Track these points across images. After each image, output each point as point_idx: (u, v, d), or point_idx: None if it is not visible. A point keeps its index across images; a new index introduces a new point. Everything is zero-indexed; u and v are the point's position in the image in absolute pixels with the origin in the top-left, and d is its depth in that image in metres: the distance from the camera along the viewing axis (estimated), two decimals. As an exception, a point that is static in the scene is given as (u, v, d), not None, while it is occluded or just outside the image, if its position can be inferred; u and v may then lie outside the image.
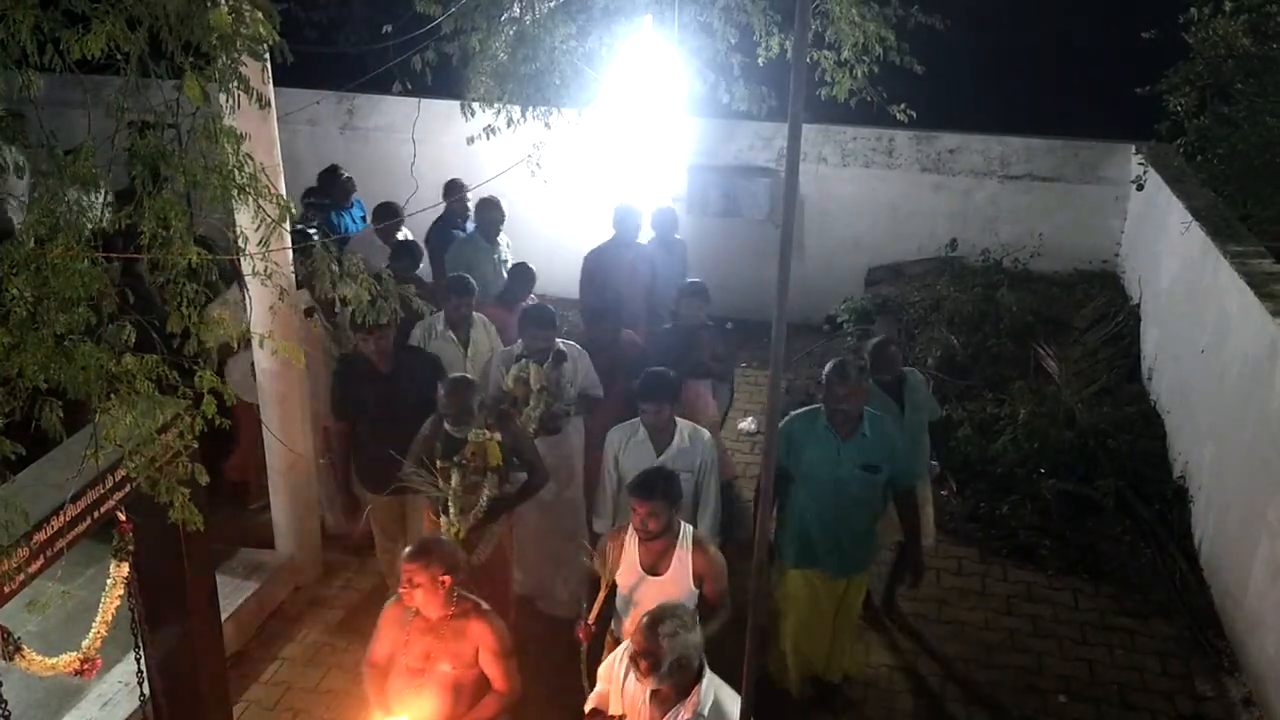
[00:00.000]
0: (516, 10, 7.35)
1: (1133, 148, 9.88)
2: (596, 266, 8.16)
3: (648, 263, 8.25)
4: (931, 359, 8.99)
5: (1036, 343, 9.15)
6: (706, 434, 5.76)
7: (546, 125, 7.91)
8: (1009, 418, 8.19)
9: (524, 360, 6.16)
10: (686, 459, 5.57)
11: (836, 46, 7.54)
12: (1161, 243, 8.80)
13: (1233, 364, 6.73)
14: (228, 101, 3.48)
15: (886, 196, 10.48)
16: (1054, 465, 7.74)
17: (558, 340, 6.36)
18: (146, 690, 4.76)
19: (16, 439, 3.18)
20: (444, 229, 8.91)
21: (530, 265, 7.69)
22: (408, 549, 4.39)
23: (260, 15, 3.45)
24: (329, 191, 9.42)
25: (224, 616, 5.54)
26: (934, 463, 6.51)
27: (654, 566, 4.81)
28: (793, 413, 5.54)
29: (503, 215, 8.65)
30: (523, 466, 5.68)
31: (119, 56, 3.14)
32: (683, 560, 4.79)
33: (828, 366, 5.35)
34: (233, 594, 6.20)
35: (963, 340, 9.20)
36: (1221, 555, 6.68)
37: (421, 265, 8.45)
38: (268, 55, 4.19)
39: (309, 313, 6.60)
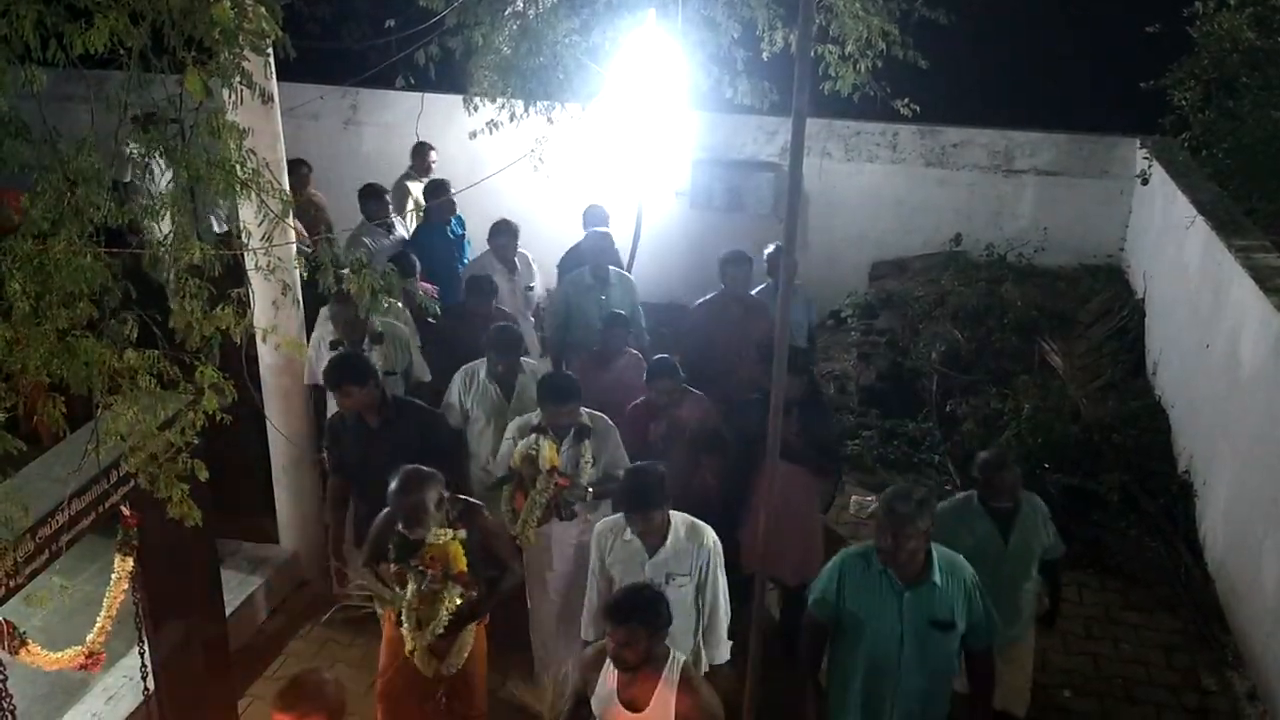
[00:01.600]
0: (520, 4, 7.35)
1: (1137, 142, 9.85)
2: (704, 322, 7.15)
3: (765, 317, 6.96)
4: (936, 354, 8.98)
5: (1041, 337, 9.13)
6: (709, 532, 4.83)
7: (550, 120, 7.91)
8: (1013, 412, 8.17)
9: (537, 435, 5.41)
10: (683, 561, 4.75)
11: (841, 40, 7.53)
12: (1166, 237, 8.78)
13: (1238, 358, 6.71)
14: (230, 96, 3.47)
15: (891, 191, 10.45)
16: (1059, 460, 7.72)
17: (583, 411, 5.60)
18: (150, 685, 4.76)
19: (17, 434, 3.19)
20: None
21: (623, 318, 6.96)
22: (276, 693, 3.72)
23: (263, 10, 3.44)
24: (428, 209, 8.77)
25: (229, 611, 5.54)
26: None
27: (632, 701, 4.08)
28: (848, 548, 4.56)
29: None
30: (495, 564, 4.89)
31: (121, 51, 3.14)
32: (665, 699, 4.02)
33: (881, 501, 4.32)
34: (238, 589, 6.21)
35: (967, 335, 9.18)
36: (1227, 549, 6.67)
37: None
38: (270, 50, 4.19)
39: (335, 345, 6.38)
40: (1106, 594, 6.80)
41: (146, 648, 4.72)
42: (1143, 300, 9.30)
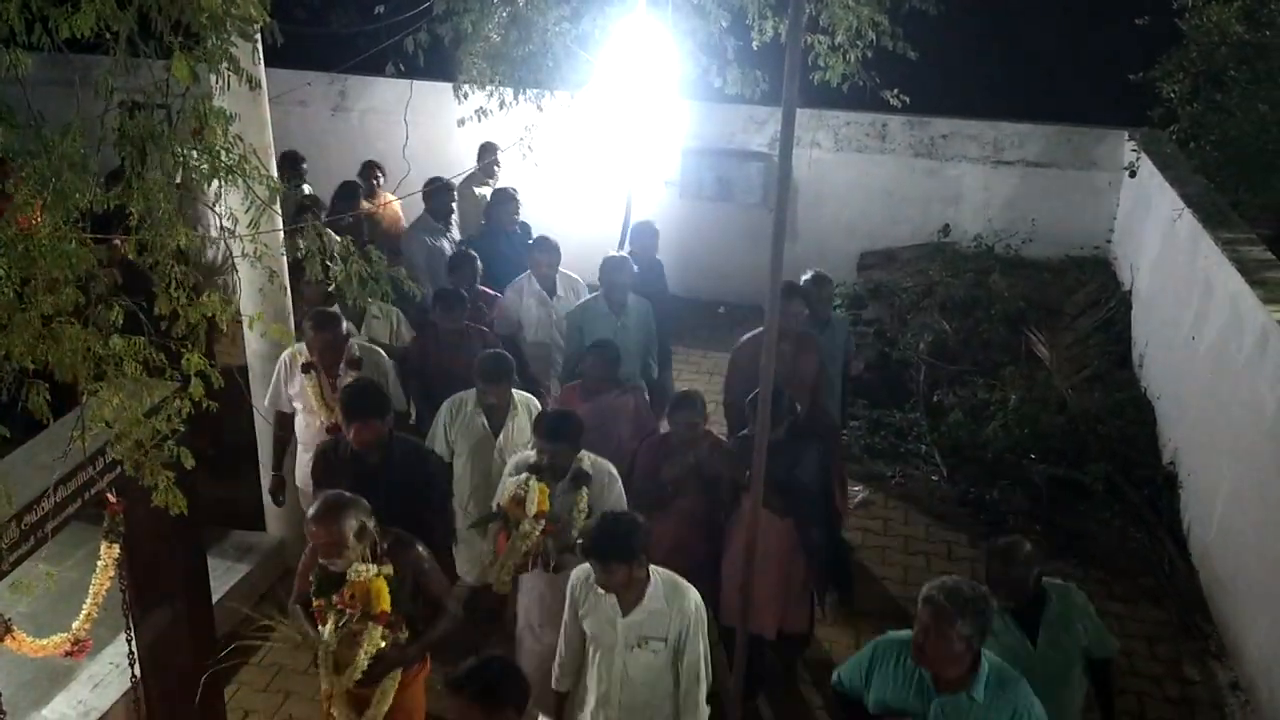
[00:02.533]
0: (509, -9, 7.32)
1: (1126, 134, 9.88)
2: (751, 360, 6.02)
3: (814, 353, 6.51)
4: (923, 344, 9.00)
5: (1028, 328, 9.16)
6: (691, 594, 4.31)
7: (539, 108, 7.89)
8: (1000, 403, 8.21)
9: (529, 476, 4.95)
10: (659, 625, 4.23)
11: (830, 30, 7.54)
12: (1154, 229, 8.81)
13: (1223, 350, 6.74)
14: (217, 82, 3.45)
15: (879, 181, 10.47)
16: (1044, 450, 7.75)
17: (585, 456, 5.13)
18: (137, 672, 4.75)
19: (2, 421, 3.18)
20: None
21: (610, 346, 6.18)
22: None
23: (250, -5, 3.42)
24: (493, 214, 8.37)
25: (215, 598, 5.53)
26: None
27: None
28: (884, 635, 4.02)
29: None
30: (430, 605, 4.47)
31: (108, 36, 3.12)
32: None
33: (924, 590, 3.72)
34: (224, 576, 6.20)
35: (954, 325, 9.20)
36: (1211, 541, 6.71)
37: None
38: (258, 36, 4.17)
39: (307, 369, 5.92)
40: (1090, 584, 6.81)
41: (133, 635, 4.71)
42: (1129, 292, 9.33)
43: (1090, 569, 6.94)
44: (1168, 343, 8.06)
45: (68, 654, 4.66)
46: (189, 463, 3.60)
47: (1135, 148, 9.47)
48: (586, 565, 4.30)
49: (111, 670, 5.22)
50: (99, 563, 4.57)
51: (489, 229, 8.18)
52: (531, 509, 4.82)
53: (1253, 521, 5.97)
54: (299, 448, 6.17)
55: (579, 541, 4.66)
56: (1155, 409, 8.12)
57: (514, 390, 5.80)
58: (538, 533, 4.85)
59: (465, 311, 6.51)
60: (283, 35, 4.14)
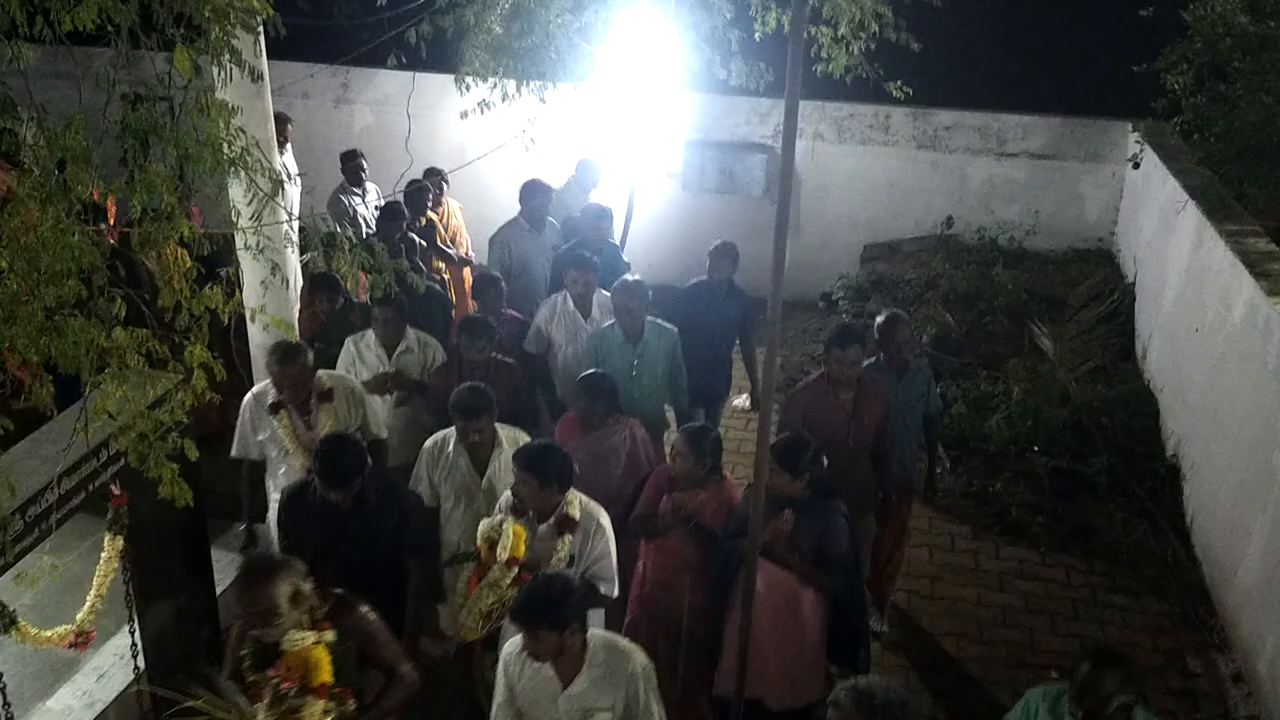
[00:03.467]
0: (512, -17, 7.30)
1: (1129, 126, 9.85)
2: (805, 405, 5.84)
3: (883, 400, 5.94)
4: (926, 336, 8.99)
5: (1031, 321, 9.15)
6: (636, 655, 3.98)
7: (542, 100, 7.88)
8: (1003, 395, 8.21)
9: (505, 517, 4.59)
10: (604, 693, 3.90)
11: (833, 22, 7.51)
12: (1157, 221, 8.79)
13: (1227, 343, 6.74)
14: (220, 74, 3.45)
15: (883, 173, 10.45)
16: (1047, 442, 7.76)
17: (575, 498, 4.69)
18: (141, 663, 4.77)
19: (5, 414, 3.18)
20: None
21: (600, 380, 5.68)
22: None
23: (254, -13, 3.42)
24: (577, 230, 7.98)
25: (219, 590, 5.54)
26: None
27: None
28: (1036, 687, 4.20)
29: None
30: (381, 671, 4.10)
31: (110, 28, 3.12)
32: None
33: (1084, 660, 3.95)
34: (228, 568, 6.18)
35: (958, 318, 9.20)
36: (1213, 533, 6.71)
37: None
38: (261, 28, 4.16)
39: (275, 409, 5.49)
40: (1093, 576, 6.84)
41: (137, 626, 4.72)
42: (1133, 284, 9.32)
43: (1093, 561, 6.95)
44: (1171, 335, 8.05)
45: (72, 645, 4.68)
46: (193, 455, 3.61)
47: (1139, 139, 9.45)
48: (518, 637, 3.95)
49: (115, 662, 5.22)
50: (103, 554, 4.59)
51: (574, 248, 7.50)
52: (503, 554, 4.43)
53: (1256, 513, 5.96)
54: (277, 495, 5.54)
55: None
56: (1158, 401, 8.12)
57: (500, 425, 5.32)
58: (509, 580, 4.42)
59: (492, 341, 6.07)
60: (285, 27, 4.13)
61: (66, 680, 5.19)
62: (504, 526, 4.50)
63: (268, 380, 5.59)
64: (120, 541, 4.55)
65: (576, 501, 4.67)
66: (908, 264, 10.08)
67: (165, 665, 4.92)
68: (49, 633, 4.55)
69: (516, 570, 4.44)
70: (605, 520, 4.72)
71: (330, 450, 4.60)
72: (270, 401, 5.47)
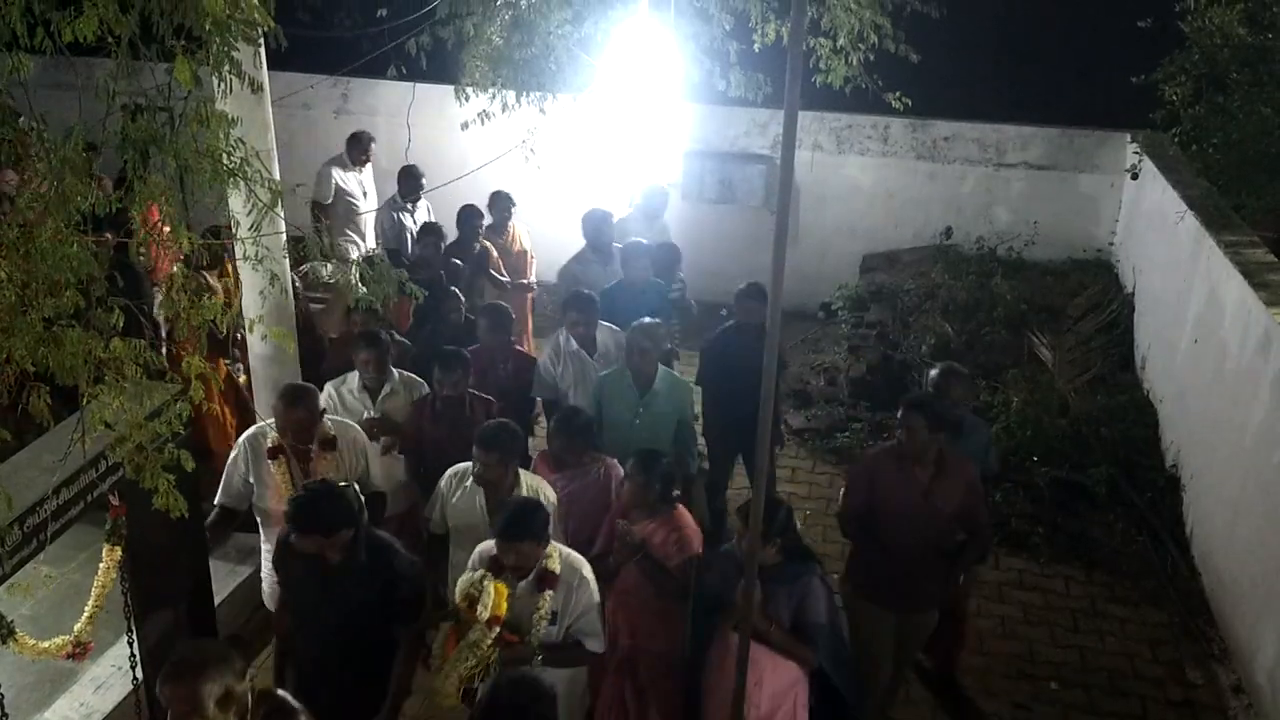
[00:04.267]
0: (511, -6, 7.32)
1: (1128, 136, 9.87)
2: (870, 477, 5.24)
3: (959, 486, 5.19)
4: (925, 347, 8.99)
5: (1030, 331, 9.15)
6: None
7: (541, 110, 7.89)
8: (1002, 405, 8.20)
9: (485, 574, 4.32)
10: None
11: (832, 33, 7.54)
12: (1156, 232, 8.80)
13: (1226, 354, 6.74)
14: (220, 85, 3.46)
15: (882, 184, 10.46)
16: (1046, 453, 7.75)
17: (555, 551, 4.41)
18: (139, 674, 4.76)
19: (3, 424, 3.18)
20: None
21: (575, 416, 5.47)
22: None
23: (255, 0, 3.43)
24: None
25: (217, 601, 5.54)
26: None
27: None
28: None
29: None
30: None
31: (110, 39, 3.12)
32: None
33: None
34: (226, 578, 6.19)
35: (957, 328, 9.19)
36: (1213, 543, 6.70)
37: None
38: (261, 39, 4.17)
39: (274, 454, 5.15)
40: (1093, 587, 6.82)
41: (135, 637, 4.72)
42: (1132, 294, 9.33)
43: (1093, 572, 6.94)
44: (1170, 345, 8.05)
45: (70, 656, 4.68)
46: (189, 466, 3.60)
47: (1137, 150, 9.47)
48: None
49: (114, 672, 5.22)
50: (101, 565, 4.58)
51: (619, 286, 7.20)
52: (485, 613, 4.17)
53: (1255, 524, 5.96)
54: (267, 544, 5.37)
55: (538, 657, 4.25)
56: (1158, 411, 8.12)
57: (524, 473, 5.06)
58: (490, 641, 4.16)
59: (467, 376, 5.73)
60: (286, 38, 4.14)
61: (64, 691, 5.19)
62: (484, 584, 4.25)
63: (263, 423, 5.35)
64: (118, 552, 4.55)
65: (557, 555, 4.39)
66: (907, 274, 10.09)
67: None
68: (47, 643, 4.55)
69: (499, 630, 4.19)
70: (588, 572, 4.45)
71: (309, 496, 4.31)
72: (269, 445, 5.13)
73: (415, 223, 8.76)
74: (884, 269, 10.33)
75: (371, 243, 9.29)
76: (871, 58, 7.68)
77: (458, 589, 4.35)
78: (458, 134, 8.02)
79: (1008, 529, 7.25)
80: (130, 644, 4.71)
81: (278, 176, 5.58)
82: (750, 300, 6.47)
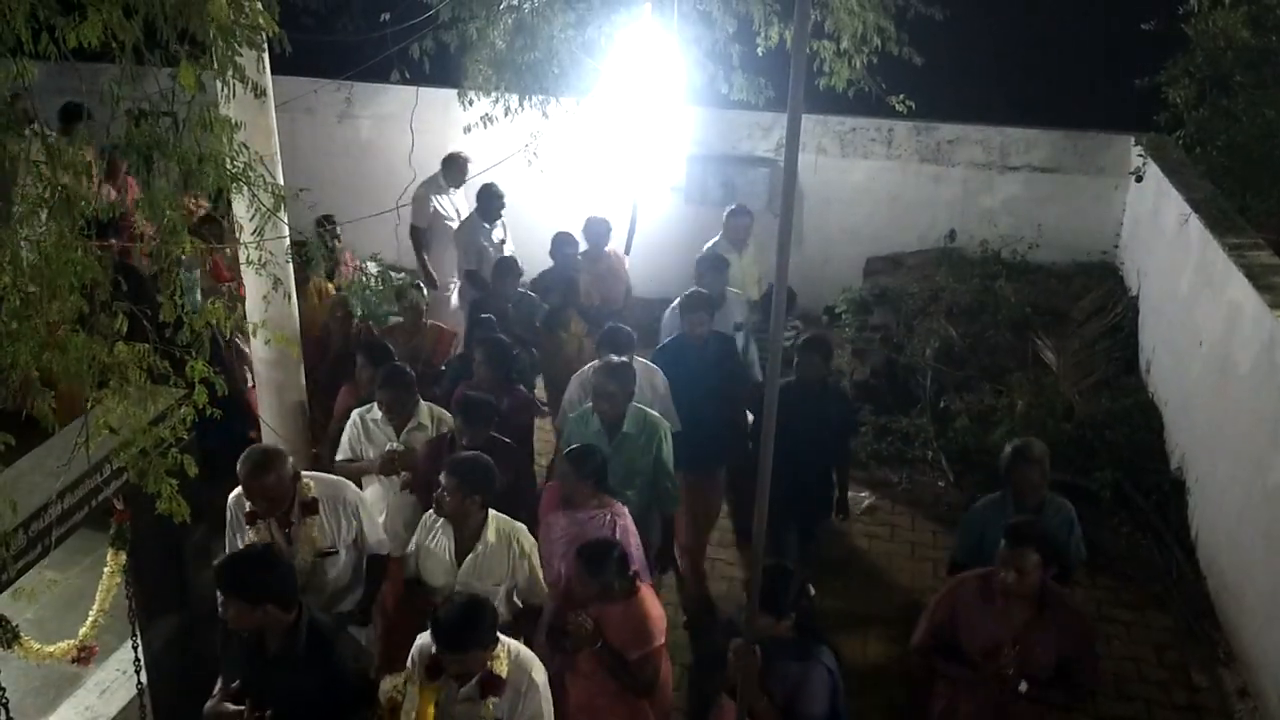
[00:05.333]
0: (515, -1, 7.33)
1: (1132, 139, 9.86)
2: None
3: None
4: (930, 350, 8.98)
5: (1035, 334, 9.14)
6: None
7: (544, 114, 7.90)
8: (1007, 409, 8.18)
9: (408, 679, 4.07)
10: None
11: (836, 36, 7.53)
12: (1160, 235, 8.79)
13: (1231, 357, 6.73)
14: (224, 90, 3.47)
15: (885, 187, 10.45)
16: (1051, 456, 7.68)
17: (504, 650, 4.00)
18: (144, 678, 4.76)
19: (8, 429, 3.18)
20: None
21: (589, 455, 5.14)
22: None
23: (259, 6, 3.44)
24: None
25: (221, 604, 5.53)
26: None
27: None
28: None
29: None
30: None
31: (114, 45, 3.13)
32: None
33: None
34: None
35: (961, 331, 9.18)
36: (1218, 547, 6.69)
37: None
38: (265, 44, 4.18)
39: (252, 518, 4.71)
40: (1098, 591, 6.81)
41: (139, 642, 4.72)
42: (1136, 297, 9.31)
43: (1097, 576, 6.92)
44: (1175, 348, 8.04)
45: (74, 660, 4.68)
46: (192, 470, 3.61)
47: (1142, 153, 9.45)
48: None
49: (118, 677, 5.23)
50: (105, 569, 4.59)
51: (676, 341, 6.67)
52: None
53: (1261, 527, 5.95)
54: None
55: None
56: (1163, 415, 8.10)
57: (495, 514, 4.77)
58: None
59: (491, 422, 5.45)
60: (289, 43, 4.14)
61: (69, 696, 5.20)
62: (407, 689, 3.93)
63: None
64: (123, 556, 4.55)
65: (505, 656, 3.99)
66: (911, 277, 10.07)
67: (168, 680, 4.91)
68: (51, 648, 4.55)
69: None
70: (540, 675, 4.08)
71: (234, 558, 4.07)
72: (246, 511, 4.70)
73: (494, 242, 8.46)
74: (888, 272, 10.32)
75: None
76: (875, 61, 7.67)
77: (380, 690, 4.09)
78: (461, 138, 8.03)
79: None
80: (135, 648, 4.71)
81: (281, 181, 5.59)
82: (812, 354, 5.93)
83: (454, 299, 8.96)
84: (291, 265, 6.06)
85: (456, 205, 9.09)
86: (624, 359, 5.79)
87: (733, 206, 8.20)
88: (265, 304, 5.68)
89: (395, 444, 5.57)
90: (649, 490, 5.68)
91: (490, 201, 8.49)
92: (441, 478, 4.60)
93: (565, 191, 10.17)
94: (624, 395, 5.60)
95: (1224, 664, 6.19)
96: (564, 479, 5.09)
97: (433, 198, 8.89)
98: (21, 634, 4.31)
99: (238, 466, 4.53)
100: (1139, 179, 9.38)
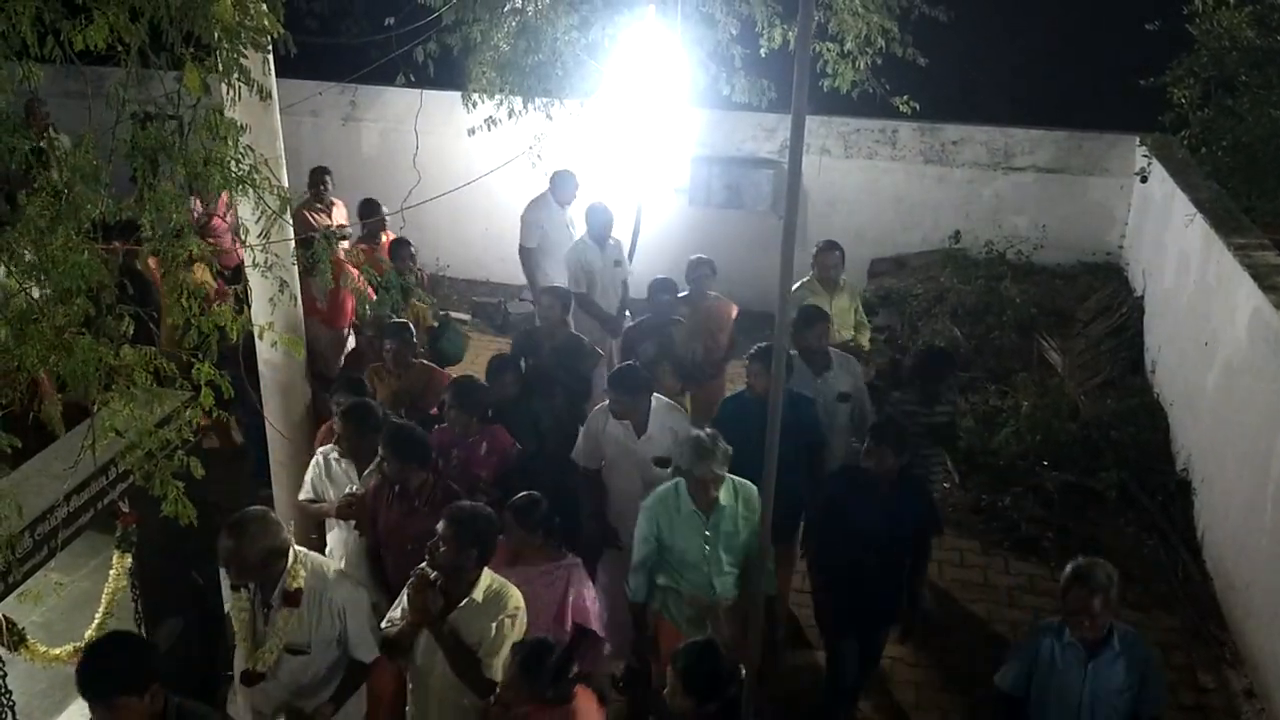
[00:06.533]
0: (518, 1, 7.34)
1: (1137, 139, 9.86)
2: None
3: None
4: (934, 351, 8.99)
5: (1040, 335, 9.13)
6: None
7: (548, 116, 7.91)
8: (1012, 409, 8.18)
9: None
10: None
11: (839, 38, 7.54)
12: (1165, 235, 8.78)
13: (1236, 356, 6.72)
14: (229, 93, 3.47)
15: (890, 188, 10.46)
16: (1057, 457, 7.73)
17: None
18: (149, 681, 4.76)
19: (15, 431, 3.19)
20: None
21: (537, 503, 4.69)
22: None
23: (264, 7, 3.44)
24: None
25: (227, 607, 5.53)
26: None
27: None
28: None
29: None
30: None
31: (120, 48, 3.14)
32: None
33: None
34: (236, 585, 6.20)
35: (966, 332, 9.18)
36: (1224, 547, 6.67)
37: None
38: (270, 46, 4.19)
39: (236, 585, 4.33)
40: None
41: (145, 644, 4.72)
42: (1141, 298, 9.30)
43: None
44: (1180, 348, 8.03)
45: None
46: (199, 473, 3.61)
47: (1146, 153, 9.45)
48: None
49: (124, 679, 5.22)
50: (111, 572, 4.59)
51: (738, 398, 5.95)
52: None
53: (1267, 527, 5.93)
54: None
55: None
56: (1168, 415, 8.09)
57: (490, 572, 4.31)
58: None
59: (423, 459, 5.01)
60: (294, 45, 4.15)
61: (75, 698, 5.19)
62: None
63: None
64: (128, 559, 4.55)
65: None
66: (915, 278, 10.08)
67: (173, 684, 4.91)
68: (58, 650, 4.55)
69: None
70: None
71: (93, 647, 3.64)
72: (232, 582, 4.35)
73: (605, 263, 8.06)
74: (892, 273, 10.33)
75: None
76: (879, 62, 7.68)
77: None
78: (465, 140, 8.03)
79: (1018, 533, 7.23)
80: (140, 651, 4.71)
81: (286, 184, 5.59)
82: (883, 444, 5.02)
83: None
84: (297, 269, 6.06)
85: (570, 224, 8.63)
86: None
87: (823, 241, 7.30)
88: (272, 306, 5.69)
89: (355, 485, 5.24)
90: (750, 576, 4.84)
91: (598, 218, 8.02)
92: (439, 526, 4.21)
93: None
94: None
95: (1230, 665, 6.17)
96: (509, 532, 4.57)
97: (539, 216, 8.55)
98: (28, 636, 4.32)
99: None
100: (1144, 179, 9.37)
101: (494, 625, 4.15)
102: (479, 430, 5.61)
